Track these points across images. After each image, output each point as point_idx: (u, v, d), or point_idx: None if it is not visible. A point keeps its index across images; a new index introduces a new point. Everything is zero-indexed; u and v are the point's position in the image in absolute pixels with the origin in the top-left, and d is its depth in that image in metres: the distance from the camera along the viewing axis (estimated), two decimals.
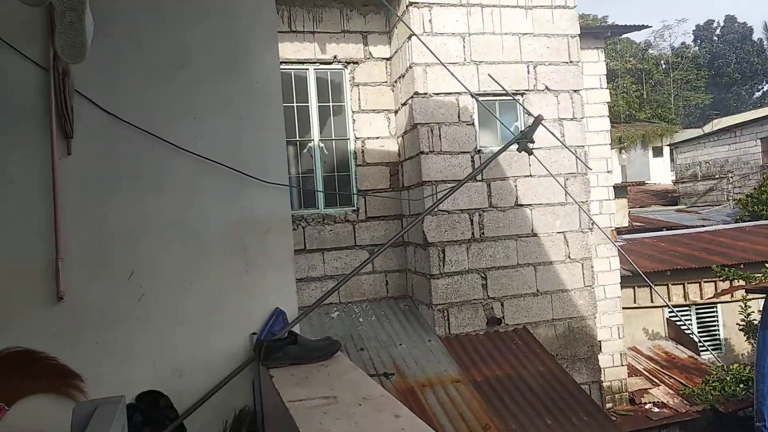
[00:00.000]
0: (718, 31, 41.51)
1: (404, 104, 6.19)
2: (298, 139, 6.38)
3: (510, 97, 6.03)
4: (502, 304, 5.97)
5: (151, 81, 2.64)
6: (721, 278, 8.86)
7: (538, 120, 2.67)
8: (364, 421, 1.77)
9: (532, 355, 5.53)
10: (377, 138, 6.53)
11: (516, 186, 6.06)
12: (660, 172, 27.65)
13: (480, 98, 5.89)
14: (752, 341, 8.18)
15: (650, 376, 9.69)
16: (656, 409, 8.97)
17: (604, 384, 7.69)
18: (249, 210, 2.71)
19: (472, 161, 5.98)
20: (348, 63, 6.47)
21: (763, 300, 5.17)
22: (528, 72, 6.15)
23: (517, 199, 6.06)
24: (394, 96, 6.55)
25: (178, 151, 2.61)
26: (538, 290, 6.06)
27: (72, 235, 2.44)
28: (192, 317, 2.57)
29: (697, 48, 41.07)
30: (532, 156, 6.06)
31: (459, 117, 5.98)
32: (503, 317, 5.95)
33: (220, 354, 2.57)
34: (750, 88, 40.27)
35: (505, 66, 6.03)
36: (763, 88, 41.01)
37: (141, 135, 2.57)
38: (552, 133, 3.69)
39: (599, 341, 6.41)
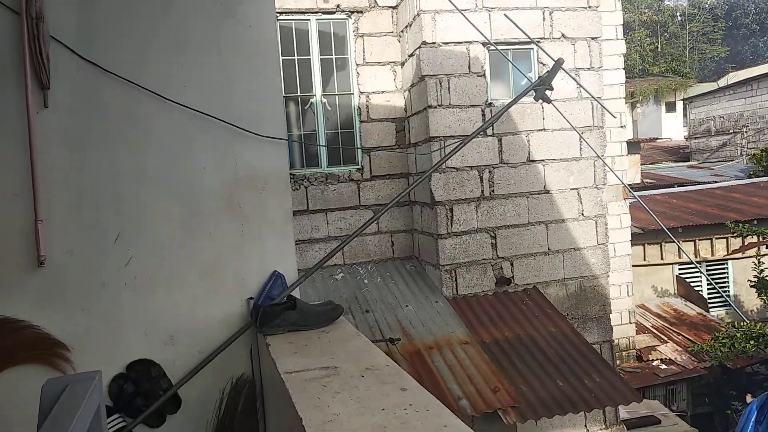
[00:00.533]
0: None
1: (411, 55, 5.88)
2: (300, 94, 6.11)
3: (522, 47, 5.70)
4: (511, 264, 5.80)
5: (134, 26, 2.41)
6: (734, 234, 8.66)
7: (558, 64, 2.43)
8: (367, 395, 1.61)
9: (542, 316, 5.41)
10: (382, 92, 6.25)
11: (528, 141, 5.80)
12: (672, 128, 27.09)
13: (492, 47, 5.57)
14: (763, 297, 8.07)
15: (658, 333, 9.63)
16: (663, 366, 8.93)
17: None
18: (243, 166, 2.52)
19: (483, 115, 5.70)
20: (352, 12, 6.13)
21: None
22: (543, 18, 5.79)
23: (529, 154, 5.81)
24: (400, 47, 6.23)
25: (165, 102, 2.41)
26: (549, 249, 5.88)
27: (52, 195, 2.26)
28: (184, 281, 2.41)
29: None
30: (546, 109, 5.81)
31: (469, 68, 5.68)
32: (513, 277, 5.80)
33: (215, 320, 2.42)
34: None
35: (519, 12, 5.67)
36: None
37: (125, 85, 2.36)
38: (574, 78, 3.44)
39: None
